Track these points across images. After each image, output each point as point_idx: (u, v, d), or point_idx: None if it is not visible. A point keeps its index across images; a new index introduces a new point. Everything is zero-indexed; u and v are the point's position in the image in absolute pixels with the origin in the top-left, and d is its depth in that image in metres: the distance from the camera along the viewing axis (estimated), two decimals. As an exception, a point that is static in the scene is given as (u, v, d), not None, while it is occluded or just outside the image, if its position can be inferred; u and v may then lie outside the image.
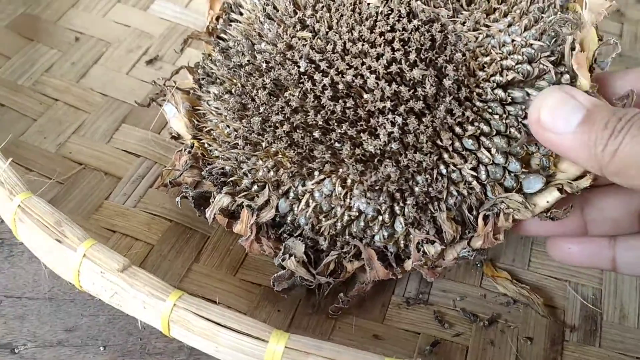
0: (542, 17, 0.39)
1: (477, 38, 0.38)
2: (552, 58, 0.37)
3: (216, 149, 0.43)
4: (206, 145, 0.44)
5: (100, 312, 0.42)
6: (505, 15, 0.40)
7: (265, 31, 0.41)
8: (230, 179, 0.42)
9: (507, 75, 0.37)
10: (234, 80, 0.42)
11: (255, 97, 0.39)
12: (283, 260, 0.39)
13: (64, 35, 0.58)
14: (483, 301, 0.44)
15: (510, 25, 0.39)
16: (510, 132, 0.37)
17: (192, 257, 0.44)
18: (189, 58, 0.53)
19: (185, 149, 0.43)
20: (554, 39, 0.38)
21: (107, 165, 0.49)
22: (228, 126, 0.42)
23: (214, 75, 0.44)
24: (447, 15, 0.39)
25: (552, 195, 0.37)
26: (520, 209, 0.37)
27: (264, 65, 0.40)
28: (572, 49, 0.37)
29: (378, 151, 0.37)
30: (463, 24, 0.39)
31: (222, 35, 0.46)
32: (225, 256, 0.44)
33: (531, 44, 0.38)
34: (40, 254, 0.38)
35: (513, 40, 0.38)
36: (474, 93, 0.38)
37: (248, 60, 0.41)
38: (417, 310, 0.43)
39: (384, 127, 0.37)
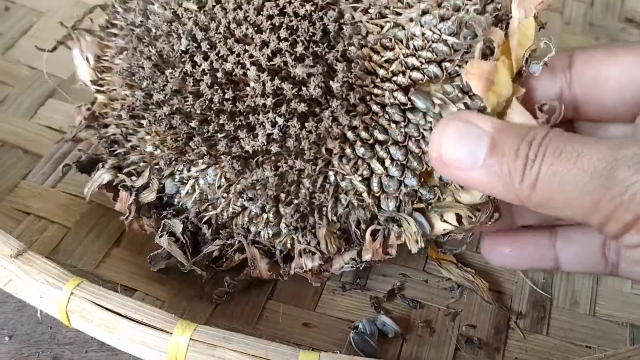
0: (466, 4, 0.33)
1: (381, 28, 0.34)
2: (468, 56, 0.32)
3: (112, 109, 0.40)
4: (107, 101, 0.41)
5: (10, 300, 0.39)
6: (421, 0, 0.34)
7: None
8: (120, 149, 0.40)
9: (410, 75, 0.33)
10: (128, 40, 0.38)
11: (141, 68, 0.36)
12: (160, 237, 0.37)
13: (-7, 5, 0.55)
14: (425, 286, 0.41)
15: (424, 13, 0.33)
16: (409, 143, 0.34)
17: (112, 241, 0.42)
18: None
19: (84, 106, 0.41)
20: (474, 35, 0.32)
21: (27, 143, 0.47)
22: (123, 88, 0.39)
23: (118, 25, 0.40)
24: (349, 1, 0.34)
25: (449, 226, 0.35)
26: (411, 236, 0.35)
27: (153, 31, 0.36)
28: (483, 56, 0.32)
29: (258, 150, 0.34)
30: (366, 11, 0.34)
31: None
32: (148, 240, 0.41)
33: (445, 40, 0.33)
34: None
35: (424, 34, 0.33)
36: (372, 94, 0.34)
37: (141, 21, 0.37)
38: (353, 297, 0.41)
39: (264, 127, 0.33)
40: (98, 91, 0.41)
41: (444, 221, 0.35)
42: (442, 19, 0.33)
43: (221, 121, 0.34)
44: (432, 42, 0.33)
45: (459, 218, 0.34)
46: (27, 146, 0.46)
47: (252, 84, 0.33)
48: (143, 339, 0.32)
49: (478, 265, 0.42)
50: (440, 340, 0.39)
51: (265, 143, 0.34)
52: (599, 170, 0.25)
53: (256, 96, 0.33)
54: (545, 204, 0.28)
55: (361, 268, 0.36)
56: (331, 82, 0.33)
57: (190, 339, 0.32)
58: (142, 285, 0.40)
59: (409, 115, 0.34)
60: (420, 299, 0.41)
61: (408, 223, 0.35)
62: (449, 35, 0.33)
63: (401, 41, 0.33)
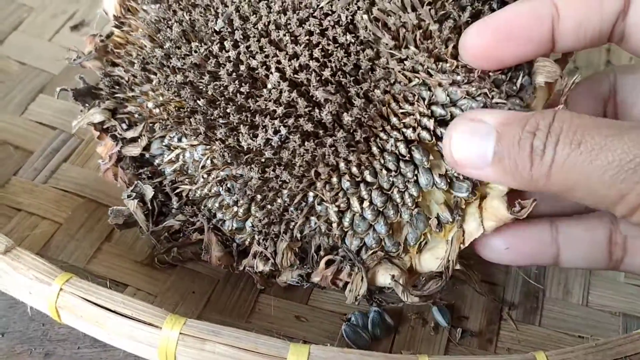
0: (493, 93, 0.32)
1: (409, 81, 0.33)
2: None
3: (126, 52, 0.39)
4: (123, 42, 0.40)
5: (2, 297, 0.39)
6: (455, 71, 0.33)
7: None
8: (121, 95, 0.39)
9: (419, 133, 0.33)
10: None
11: (169, 28, 0.36)
12: (129, 196, 0.38)
13: (-18, 0, 0.55)
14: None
15: (454, 83, 0.33)
16: (392, 192, 0.34)
17: (103, 236, 0.42)
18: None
19: (99, 36, 0.40)
20: None
21: (17, 139, 0.47)
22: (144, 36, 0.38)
23: None
24: (388, 45, 0.33)
25: (387, 280, 0.36)
26: (355, 287, 0.36)
27: None
28: None
29: (252, 150, 0.34)
30: (402, 61, 0.33)
31: None
32: (140, 235, 0.41)
33: None
34: None
35: (446, 103, 0.33)
36: (377, 137, 0.34)
37: None
38: (343, 291, 0.40)
39: (266, 131, 0.33)
40: (117, 27, 0.40)
41: (394, 280, 0.35)
42: (468, 94, 0.33)
43: (228, 110, 0.34)
44: (452, 114, 0.33)
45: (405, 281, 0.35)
46: (18, 142, 0.46)
47: (270, 86, 0.33)
48: (133, 333, 0.32)
49: (470, 256, 0.42)
50: (433, 331, 0.39)
51: (262, 146, 0.34)
52: (626, 163, 0.25)
53: (270, 100, 0.33)
54: (565, 192, 0.28)
55: (305, 287, 0.37)
56: (344, 114, 0.33)
57: (180, 333, 0.32)
58: (133, 280, 0.40)
59: (402, 166, 0.34)
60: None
61: (359, 274, 0.36)
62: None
63: (423, 100, 0.33)
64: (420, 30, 0.33)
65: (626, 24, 0.30)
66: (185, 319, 0.32)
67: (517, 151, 0.28)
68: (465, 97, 0.33)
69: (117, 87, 0.40)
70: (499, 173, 0.29)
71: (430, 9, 0.32)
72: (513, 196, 0.33)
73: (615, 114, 0.36)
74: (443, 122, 0.33)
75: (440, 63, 0.33)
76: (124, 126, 0.39)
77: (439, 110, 0.33)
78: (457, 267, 0.38)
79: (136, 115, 0.39)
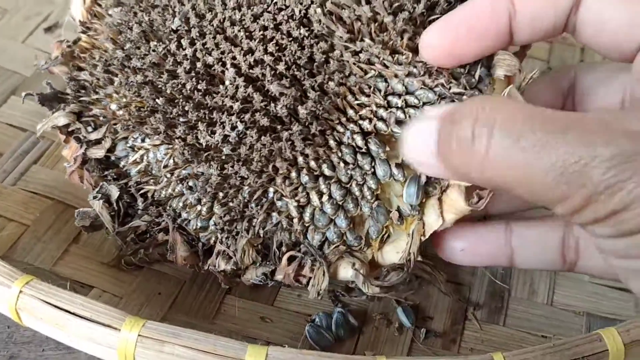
0: (450, 84, 0.32)
1: (365, 74, 0.33)
2: None
3: (90, 56, 0.40)
4: (89, 46, 0.40)
5: (-33, 299, 0.39)
6: (412, 63, 0.33)
7: None
8: (86, 97, 0.39)
9: (376, 124, 0.33)
10: None
11: (129, 29, 0.36)
12: (94, 197, 0.38)
13: (-46, 2, 0.55)
14: (383, 277, 0.41)
15: (410, 74, 0.33)
16: (352, 185, 0.34)
17: (71, 237, 0.41)
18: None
19: (66, 42, 0.40)
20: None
21: (-14, 140, 0.46)
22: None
23: None
24: (343, 38, 0.33)
25: (349, 273, 0.35)
26: (318, 281, 0.35)
27: None
28: None
29: (211, 146, 0.34)
30: (357, 53, 0.33)
31: None
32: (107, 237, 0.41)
33: (423, 105, 0.33)
34: None
35: (403, 94, 0.33)
36: (334, 130, 0.34)
37: None
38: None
39: (223, 127, 0.33)
40: (84, 32, 0.40)
41: (355, 269, 0.35)
42: (424, 86, 0.33)
43: (186, 108, 0.34)
44: (409, 105, 0.33)
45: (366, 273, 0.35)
46: (-14, 143, 0.46)
47: (226, 83, 0.33)
48: (92, 335, 0.32)
49: (437, 257, 0.42)
50: (397, 331, 0.39)
51: (220, 142, 0.33)
52: (571, 165, 0.23)
53: (226, 96, 0.33)
54: (505, 189, 0.26)
55: (269, 285, 0.37)
56: (299, 107, 0.33)
57: (139, 335, 0.32)
58: (99, 282, 0.39)
59: (359, 158, 0.34)
60: (378, 291, 0.41)
61: (321, 268, 0.35)
62: (425, 104, 0.33)
63: (379, 91, 0.33)
64: (375, 23, 0.33)
65: (577, 16, 0.30)
66: (144, 321, 0.32)
67: (449, 144, 0.26)
68: (422, 88, 0.33)
69: (83, 90, 0.40)
70: (446, 167, 0.27)
71: (384, 2, 0.32)
72: (472, 188, 0.33)
73: (574, 110, 0.36)
74: (402, 110, 0.33)
75: (396, 55, 0.33)
76: (90, 129, 0.39)
77: (395, 100, 0.33)
78: (419, 259, 0.38)
79: (101, 118, 0.39)
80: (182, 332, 0.32)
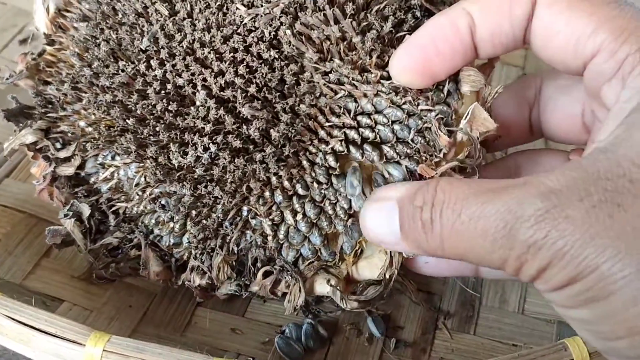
0: (419, 100, 0.33)
1: (335, 94, 0.33)
2: (414, 145, 0.33)
3: (57, 71, 0.39)
4: (54, 60, 0.40)
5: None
6: (380, 82, 0.33)
7: None
8: (53, 114, 0.39)
9: (348, 147, 0.34)
10: (95, 10, 0.37)
11: (97, 47, 0.36)
12: (65, 216, 0.38)
13: None
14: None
15: (378, 93, 0.33)
16: (325, 204, 0.35)
17: (42, 251, 0.41)
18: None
19: (31, 54, 0.40)
20: (424, 125, 0.33)
21: (-44, 156, 0.45)
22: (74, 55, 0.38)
23: None
24: (312, 59, 0.33)
25: (325, 289, 0.36)
26: (294, 297, 0.36)
27: (120, 16, 0.36)
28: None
29: (183, 167, 0.34)
30: (326, 74, 0.33)
31: None
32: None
33: (392, 123, 0.33)
34: None
35: (372, 113, 0.33)
36: (306, 151, 0.34)
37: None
38: (283, 301, 0.40)
39: (195, 148, 0.33)
40: (49, 44, 0.40)
41: (331, 286, 0.36)
42: (392, 104, 0.33)
43: (157, 128, 0.34)
44: (379, 123, 0.33)
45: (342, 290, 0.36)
46: (-44, 159, 0.46)
47: (197, 104, 0.33)
48: (57, 351, 0.32)
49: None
50: (367, 342, 0.39)
51: (193, 163, 0.34)
52: (500, 230, 0.25)
53: (198, 118, 0.33)
54: (463, 259, 0.28)
55: (244, 296, 0.37)
56: (272, 130, 0.33)
57: (104, 350, 0.32)
58: (70, 295, 0.39)
59: (333, 180, 0.34)
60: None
61: (297, 284, 0.36)
62: (394, 122, 0.33)
63: (349, 112, 0.33)
64: (344, 43, 0.33)
65: (530, 26, 0.30)
66: (109, 336, 0.32)
67: (413, 225, 0.28)
68: (390, 106, 0.33)
69: (50, 105, 0.39)
70: (410, 246, 0.29)
71: (352, 21, 0.32)
72: None
73: (538, 118, 0.36)
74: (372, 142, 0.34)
75: (365, 74, 0.33)
76: (58, 145, 0.39)
77: (364, 120, 0.33)
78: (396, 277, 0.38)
79: (69, 134, 0.39)
80: (146, 346, 0.32)
